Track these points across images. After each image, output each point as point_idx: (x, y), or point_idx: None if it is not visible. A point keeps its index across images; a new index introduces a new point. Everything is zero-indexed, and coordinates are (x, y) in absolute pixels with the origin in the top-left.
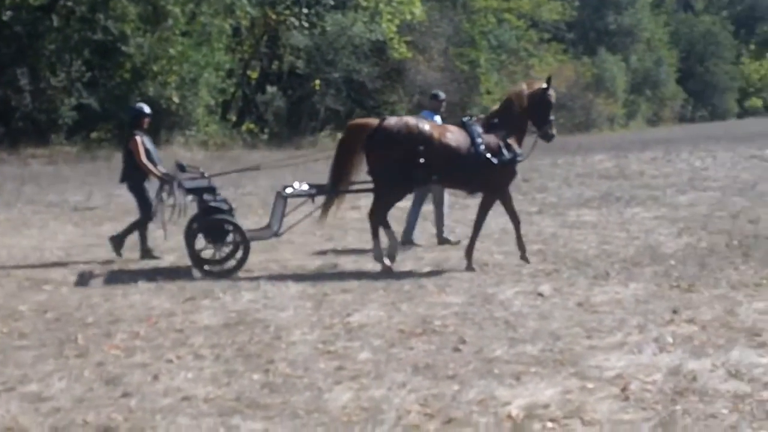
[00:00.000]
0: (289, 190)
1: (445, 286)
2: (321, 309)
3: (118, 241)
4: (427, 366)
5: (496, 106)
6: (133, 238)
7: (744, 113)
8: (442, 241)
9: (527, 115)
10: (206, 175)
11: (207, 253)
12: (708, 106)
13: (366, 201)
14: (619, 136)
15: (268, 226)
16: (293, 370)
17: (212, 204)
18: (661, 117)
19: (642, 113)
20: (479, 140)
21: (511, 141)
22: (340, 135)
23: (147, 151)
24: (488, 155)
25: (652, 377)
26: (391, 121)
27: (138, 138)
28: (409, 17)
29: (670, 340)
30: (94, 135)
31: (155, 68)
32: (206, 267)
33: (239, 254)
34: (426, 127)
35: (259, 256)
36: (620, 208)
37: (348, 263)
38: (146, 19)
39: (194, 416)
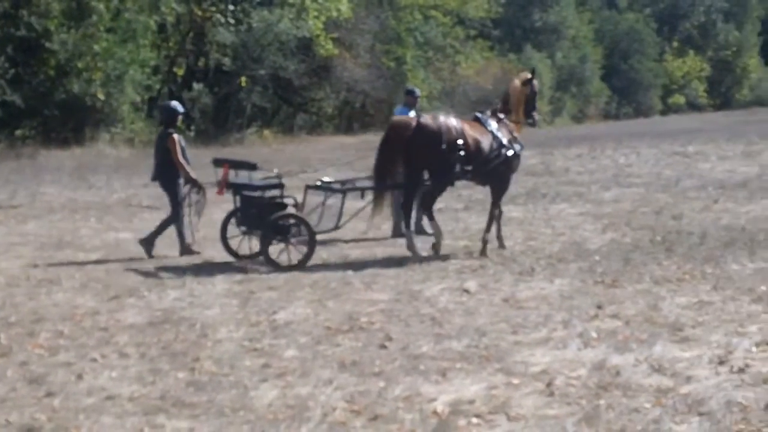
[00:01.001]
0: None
1: (371, 283)
2: (247, 307)
3: (148, 243)
4: (353, 363)
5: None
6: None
7: (667, 110)
8: (398, 234)
9: (523, 107)
10: (280, 174)
11: (239, 246)
12: (632, 103)
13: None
14: (544, 133)
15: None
16: (219, 368)
17: (279, 200)
18: (587, 114)
19: (567, 110)
20: (499, 134)
21: (516, 134)
22: (266, 132)
23: (182, 149)
24: (508, 147)
25: (577, 372)
26: (428, 119)
27: (176, 136)
28: (335, 14)
29: (595, 335)
30: (18, 132)
31: (80, 65)
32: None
33: (305, 249)
34: (459, 122)
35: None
36: (546, 205)
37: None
38: (70, 15)
39: (118, 415)
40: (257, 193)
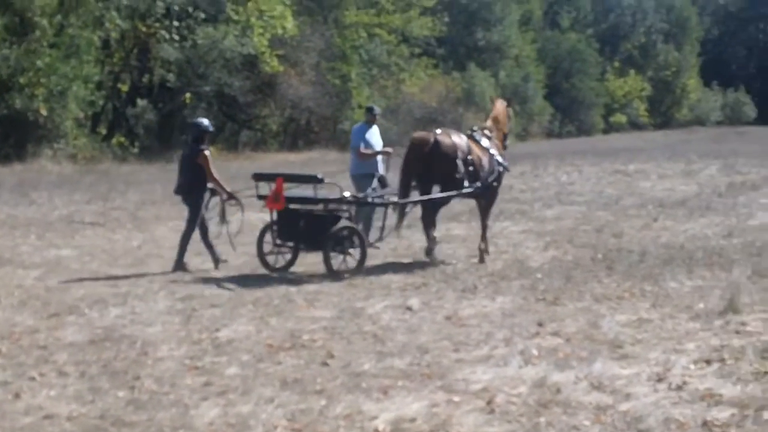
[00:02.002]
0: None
1: (314, 300)
2: (189, 324)
3: (181, 265)
4: (295, 381)
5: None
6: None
7: (609, 129)
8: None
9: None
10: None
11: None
12: (575, 121)
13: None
14: None
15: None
16: (159, 387)
17: (338, 214)
18: (530, 132)
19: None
20: (493, 151)
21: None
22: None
23: None
24: (501, 164)
25: (518, 390)
26: (445, 135)
27: (208, 153)
28: (280, 31)
29: (536, 352)
30: None
31: (22, 80)
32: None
33: (359, 257)
34: (467, 140)
35: (126, 270)
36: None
37: (217, 277)
38: (12, 30)
39: None
40: (319, 206)
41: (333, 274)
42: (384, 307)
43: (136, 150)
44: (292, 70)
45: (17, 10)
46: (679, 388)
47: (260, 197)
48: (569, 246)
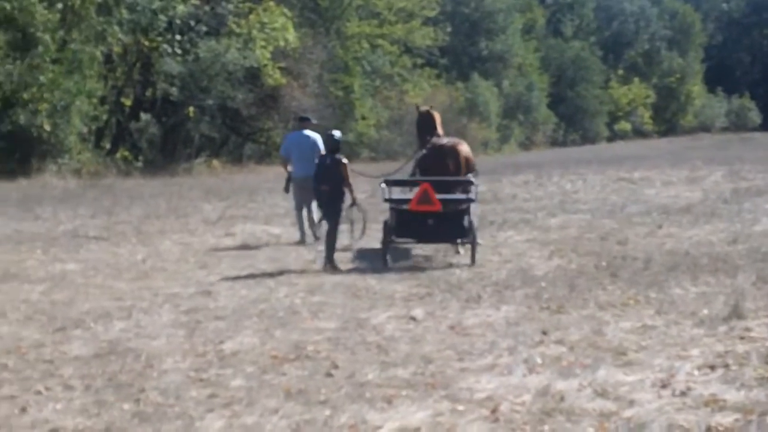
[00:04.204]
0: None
1: (318, 311)
2: (194, 337)
3: (331, 264)
4: (300, 392)
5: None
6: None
7: (614, 137)
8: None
9: None
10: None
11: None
12: (579, 130)
13: (241, 227)
14: (492, 160)
15: None
16: (165, 399)
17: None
18: (534, 141)
19: (515, 137)
20: None
21: None
22: (215, 162)
23: None
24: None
25: (522, 398)
26: (461, 143)
27: (346, 161)
28: (282, 44)
29: (540, 361)
30: None
31: (25, 96)
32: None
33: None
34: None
35: (131, 284)
36: (493, 232)
37: (222, 290)
38: (15, 46)
39: None
40: (463, 205)
41: (470, 260)
42: (388, 317)
43: (140, 164)
44: (294, 82)
45: (20, 25)
46: (683, 394)
47: (388, 200)
48: (573, 254)
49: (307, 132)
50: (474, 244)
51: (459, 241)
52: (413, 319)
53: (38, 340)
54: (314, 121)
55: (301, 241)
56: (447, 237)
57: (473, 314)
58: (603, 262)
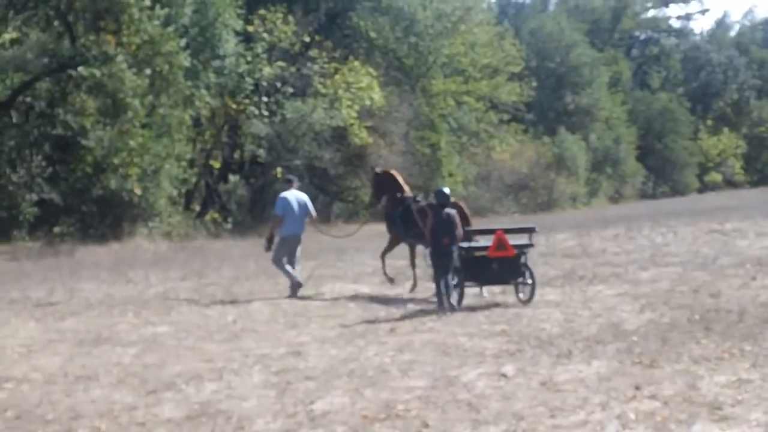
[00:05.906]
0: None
1: (408, 369)
2: (284, 397)
3: (450, 304)
4: None
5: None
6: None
7: (704, 188)
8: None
9: None
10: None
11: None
12: (668, 181)
13: (330, 287)
14: (581, 214)
15: None
16: None
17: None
18: (623, 194)
19: (603, 191)
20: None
21: None
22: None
23: None
24: None
25: None
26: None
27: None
28: (368, 103)
29: (633, 416)
30: (56, 230)
31: (116, 161)
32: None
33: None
34: None
35: (221, 346)
36: (583, 286)
37: (312, 350)
38: (105, 112)
39: None
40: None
41: (522, 301)
42: (478, 374)
43: (229, 225)
44: (381, 140)
45: (109, 92)
46: None
47: (463, 248)
48: (665, 308)
49: (297, 193)
50: (534, 283)
51: (520, 280)
52: (504, 375)
53: (130, 403)
54: (297, 183)
55: (293, 294)
56: (508, 278)
57: (564, 370)
58: (696, 316)
